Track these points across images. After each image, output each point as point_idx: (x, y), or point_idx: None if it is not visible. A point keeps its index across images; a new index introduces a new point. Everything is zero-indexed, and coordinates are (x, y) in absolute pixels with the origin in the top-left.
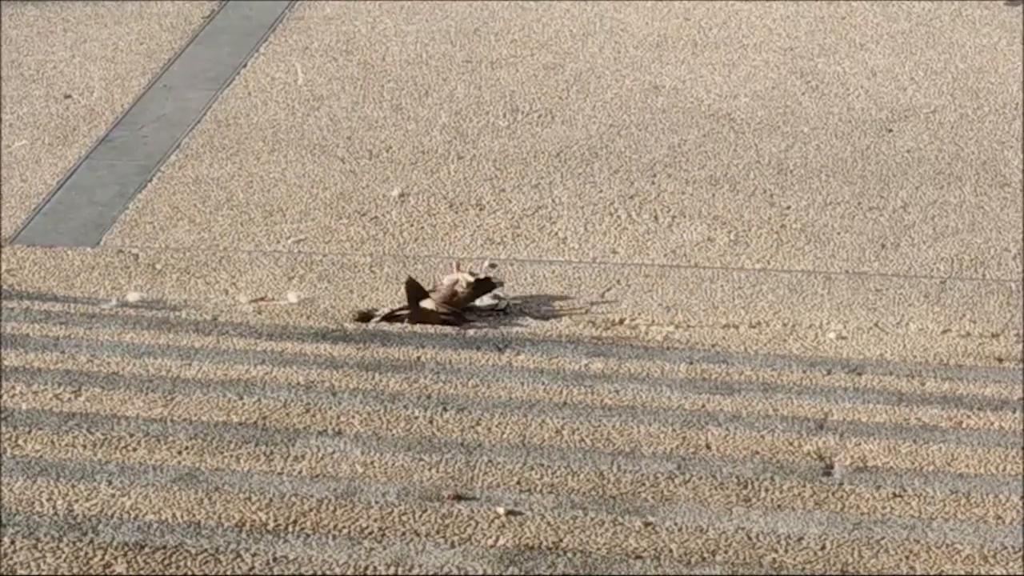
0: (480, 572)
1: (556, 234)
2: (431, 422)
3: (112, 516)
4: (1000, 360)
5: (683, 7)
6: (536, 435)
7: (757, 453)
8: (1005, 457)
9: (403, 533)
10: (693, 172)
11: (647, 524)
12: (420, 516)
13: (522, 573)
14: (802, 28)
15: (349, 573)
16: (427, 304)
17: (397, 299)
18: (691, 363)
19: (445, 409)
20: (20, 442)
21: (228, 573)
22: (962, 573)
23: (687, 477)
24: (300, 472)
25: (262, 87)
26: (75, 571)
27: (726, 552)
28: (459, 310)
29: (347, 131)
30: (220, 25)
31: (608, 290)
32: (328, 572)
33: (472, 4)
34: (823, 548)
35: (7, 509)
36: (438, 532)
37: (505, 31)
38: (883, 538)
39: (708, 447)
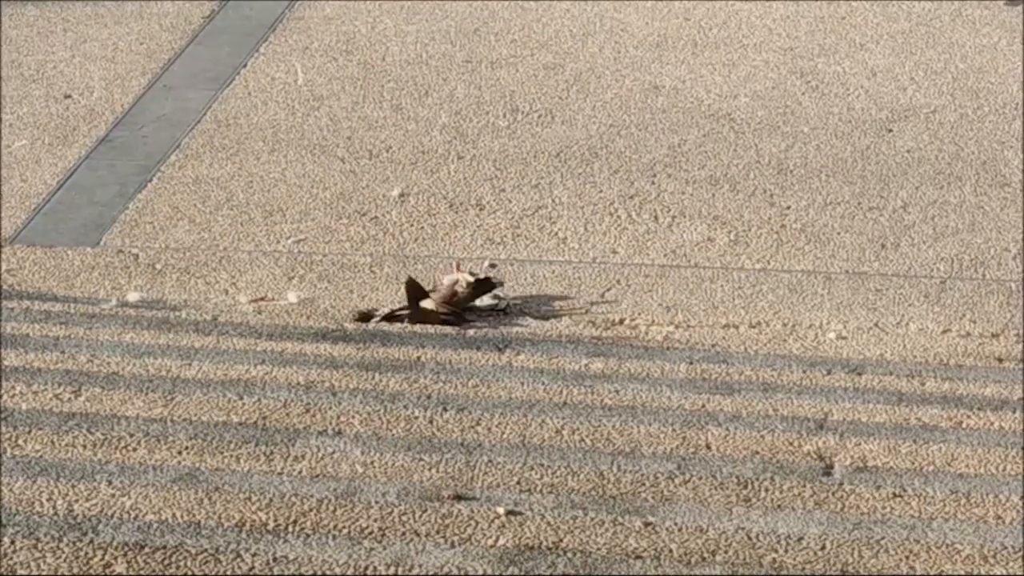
0: (480, 572)
1: (556, 234)
2: (431, 422)
3: (112, 516)
4: (1000, 360)
5: (683, 7)
6: (536, 435)
7: (757, 453)
8: (1005, 457)
9: (403, 533)
10: (693, 172)
11: (647, 524)
12: (420, 516)
13: (522, 573)
14: (802, 28)
15: (349, 573)
16: (427, 304)
17: (397, 299)
18: (691, 363)
19: (445, 409)
20: (20, 442)
21: (228, 573)
22: (962, 573)
23: (687, 477)
24: (300, 472)
25: (262, 87)
26: (75, 571)
27: (726, 552)
28: (459, 310)
29: (347, 131)
30: (220, 25)
31: (608, 290)
32: (328, 572)
33: (472, 4)
34: (823, 548)
35: (7, 509)
36: (438, 532)
37: (505, 31)
38: (883, 538)
39: (708, 447)
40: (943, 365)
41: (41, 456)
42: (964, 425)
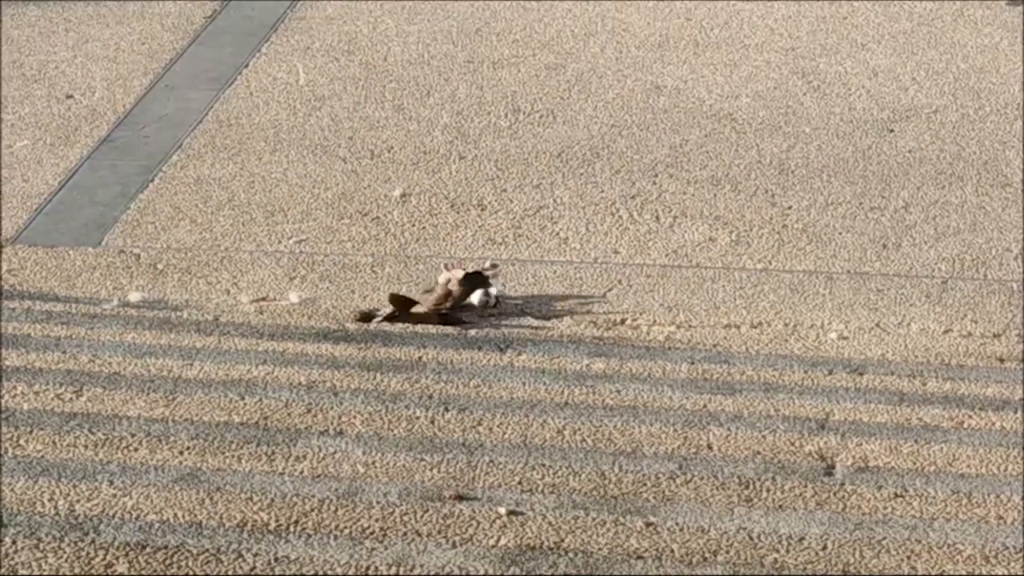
0: (482, 572)
1: (558, 234)
2: (433, 422)
3: (114, 516)
4: (1001, 360)
5: (685, 7)
6: (538, 435)
7: (759, 453)
8: (1006, 457)
9: (404, 533)
10: (695, 172)
11: (648, 524)
12: (422, 516)
13: (523, 573)
14: (804, 28)
15: (351, 573)
16: (417, 309)
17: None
18: (692, 363)
19: (447, 409)
20: (21, 442)
21: (230, 573)
22: (963, 573)
23: (688, 477)
24: (302, 472)
25: (264, 87)
26: (76, 571)
27: (727, 552)
28: (447, 311)
29: (349, 131)
30: (222, 25)
31: (609, 290)
32: (329, 572)
33: (474, 4)
34: (824, 548)
35: (9, 509)
36: (440, 532)
37: (507, 31)
38: (884, 538)
39: (710, 447)
40: (944, 365)
41: (43, 456)
42: (965, 425)
